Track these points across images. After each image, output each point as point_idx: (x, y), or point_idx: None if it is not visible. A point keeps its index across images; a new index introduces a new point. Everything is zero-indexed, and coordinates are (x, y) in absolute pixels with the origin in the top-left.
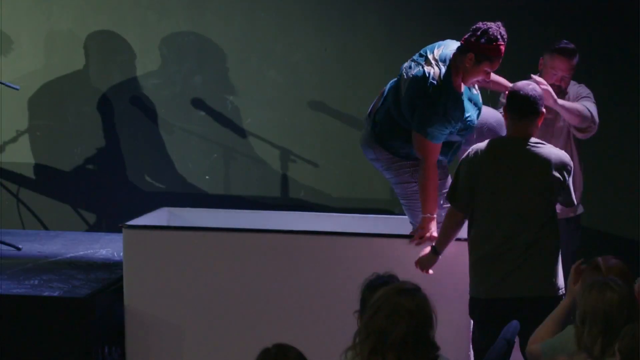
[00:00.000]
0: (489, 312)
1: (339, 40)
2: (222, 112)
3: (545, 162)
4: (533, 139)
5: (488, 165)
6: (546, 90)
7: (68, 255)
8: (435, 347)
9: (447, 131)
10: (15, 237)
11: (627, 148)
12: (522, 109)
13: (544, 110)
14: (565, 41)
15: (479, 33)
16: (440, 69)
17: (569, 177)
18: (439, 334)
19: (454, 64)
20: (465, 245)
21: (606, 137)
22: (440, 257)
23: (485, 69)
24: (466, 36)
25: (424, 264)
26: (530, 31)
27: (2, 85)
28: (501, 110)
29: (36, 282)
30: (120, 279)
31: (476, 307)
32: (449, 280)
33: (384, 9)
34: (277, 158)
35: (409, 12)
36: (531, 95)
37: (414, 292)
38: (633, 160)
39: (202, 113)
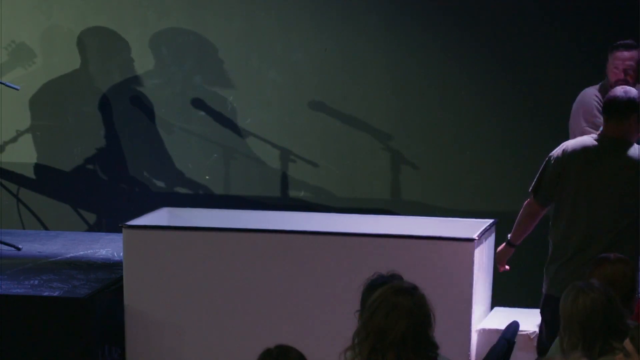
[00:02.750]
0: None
1: (339, 40)
2: (222, 112)
3: (634, 164)
4: (626, 140)
5: (577, 163)
6: None
7: (68, 255)
8: (434, 346)
9: None
10: (15, 237)
11: None
12: (612, 109)
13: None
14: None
15: None
16: None
17: None
18: (438, 335)
19: None
20: (463, 245)
21: None
22: (440, 257)
23: None
24: None
25: (500, 257)
26: (532, 31)
27: (2, 85)
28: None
29: (36, 282)
30: (120, 279)
31: (549, 305)
32: (447, 280)
33: (384, 9)
34: (277, 158)
35: (409, 12)
36: (619, 96)
37: (411, 291)
38: None
39: (202, 113)
